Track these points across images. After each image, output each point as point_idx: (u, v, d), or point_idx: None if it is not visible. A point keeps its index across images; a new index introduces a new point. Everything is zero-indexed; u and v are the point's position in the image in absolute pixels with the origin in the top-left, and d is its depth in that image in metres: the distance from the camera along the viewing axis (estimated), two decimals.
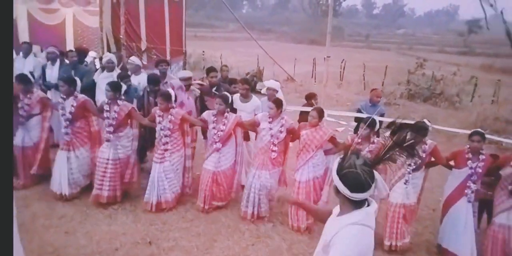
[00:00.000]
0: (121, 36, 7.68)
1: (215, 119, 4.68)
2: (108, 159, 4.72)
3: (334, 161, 1.86)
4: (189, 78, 5.56)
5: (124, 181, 4.88)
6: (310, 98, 5.78)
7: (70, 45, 11.35)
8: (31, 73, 5.55)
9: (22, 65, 6.73)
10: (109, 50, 7.82)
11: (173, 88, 5.13)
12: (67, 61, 6.70)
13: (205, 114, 4.78)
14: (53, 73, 6.32)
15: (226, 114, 4.66)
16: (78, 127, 4.88)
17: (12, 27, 2.79)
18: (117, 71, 5.89)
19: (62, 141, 4.91)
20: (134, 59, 6.30)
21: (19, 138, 5.06)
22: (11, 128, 2.68)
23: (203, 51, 18.19)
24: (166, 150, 4.65)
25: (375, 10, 70.09)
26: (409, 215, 4.16)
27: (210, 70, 5.65)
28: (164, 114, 4.64)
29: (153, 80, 5.30)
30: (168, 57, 10.43)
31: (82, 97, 4.88)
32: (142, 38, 8.71)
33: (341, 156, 1.82)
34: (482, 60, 27.00)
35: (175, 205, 4.78)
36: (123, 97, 4.86)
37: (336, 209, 1.93)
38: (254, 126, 4.75)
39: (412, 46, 40.92)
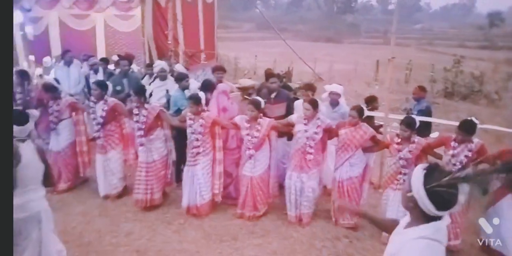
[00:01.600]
0: (168, 42, 7.51)
1: (249, 125, 4.56)
2: (143, 163, 4.75)
3: (413, 171, 1.73)
4: (251, 87, 5.25)
5: (166, 181, 4.94)
6: (371, 101, 5.52)
7: (101, 51, 11.28)
8: (56, 79, 5.51)
9: (66, 73, 6.63)
10: (150, 56, 7.63)
11: (223, 92, 5.10)
12: (109, 69, 6.60)
13: (238, 119, 4.69)
14: None
15: (259, 120, 4.56)
16: (109, 130, 4.95)
17: (12, 27, 2.71)
18: (170, 79, 5.70)
19: (97, 145, 5.03)
20: (178, 67, 6.07)
21: (54, 143, 5.25)
22: (11, 128, 2.67)
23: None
24: (197, 153, 4.60)
25: (390, 6, 69.17)
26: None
27: (270, 75, 5.42)
28: (195, 117, 4.59)
29: (208, 86, 5.14)
30: (202, 61, 10.25)
31: (112, 100, 4.95)
32: (180, 42, 8.54)
33: (425, 167, 1.70)
34: (505, 54, 26.29)
35: (207, 211, 4.72)
36: (149, 100, 4.91)
37: (404, 220, 1.85)
38: (289, 126, 4.68)
39: (431, 41, 40.15)
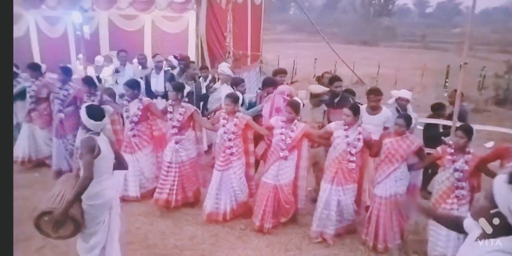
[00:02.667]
0: (226, 44, 7.52)
1: (284, 125, 4.43)
2: (170, 163, 4.68)
3: (496, 183, 1.61)
4: (323, 94, 5.05)
5: (187, 186, 4.83)
6: (438, 109, 5.31)
7: (147, 52, 11.43)
8: (98, 77, 5.76)
9: (122, 73, 6.70)
10: (202, 58, 7.66)
11: (281, 94, 5.05)
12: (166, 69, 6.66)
13: (274, 120, 4.55)
14: (158, 82, 6.25)
15: (295, 121, 4.43)
16: (139, 130, 4.98)
17: (12, 27, 2.72)
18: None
19: (126, 144, 5.02)
20: (225, 69, 5.99)
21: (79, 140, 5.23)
22: (11, 128, 2.66)
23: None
24: (231, 154, 4.47)
25: (428, 9, 67.52)
26: None
27: (334, 79, 5.31)
28: (229, 117, 4.50)
29: (269, 84, 5.21)
30: (248, 63, 10.21)
31: (146, 100, 5.02)
32: (229, 44, 8.52)
33: (508, 178, 1.57)
34: None
35: (242, 213, 4.66)
36: (186, 99, 4.83)
37: (475, 232, 1.74)
38: (325, 137, 4.41)
39: (472, 46, 38.66)
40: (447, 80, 13.42)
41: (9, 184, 2.55)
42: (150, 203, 4.91)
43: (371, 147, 4.33)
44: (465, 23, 56.38)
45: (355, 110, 4.23)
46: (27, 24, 9.83)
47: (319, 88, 4.92)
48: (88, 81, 5.30)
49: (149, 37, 11.63)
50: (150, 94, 5.98)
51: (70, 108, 5.64)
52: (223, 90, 5.59)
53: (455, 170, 3.80)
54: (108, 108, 4.90)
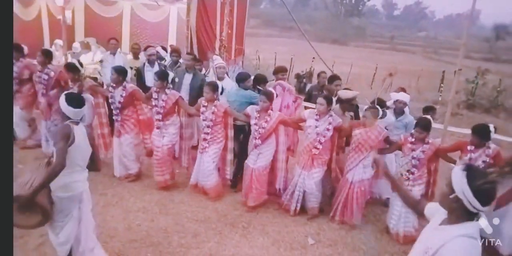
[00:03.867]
0: (222, 38, 7.35)
1: (258, 115, 4.63)
2: (158, 147, 4.92)
3: (453, 171, 1.82)
4: (353, 99, 4.91)
5: (168, 167, 5.02)
6: (427, 111, 5.44)
7: (125, 40, 11.06)
8: (79, 61, 5.57)
9: (111, 62, 6.46)
10: (191, 50, 7.46)
11: (283, 89, 5.12)
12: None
13: (249, 109, 4.75)
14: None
15: (269, 111, 4.60)
16: (125, 115, 5.07)
17: (12, 26, 2.78)
18: (226, 78, 5.54)
19: (115, 128, 5.16)
20: (220, 60, 5.84)
21: None
22: (11, 128, 2.63)
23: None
24: (205, 140, 4.74)
25: (396, 11, 69.36)
26: None
27: (334, 78, 5.34)
28: (208, 104, 4.71)
29: (261, 80, 5.28)
30: (232, 57, 10.09)
31: (130, 86, 5.08)
32: (217, 37, 8.37)
33: (464, 168, 1.79)
34: (510, 67, 26.61)
35: (215, 193, 4.91)
36: (170, 86, 4.99)
37: (438, 217, 1.92)
38: (299, 122, 4.73)
39: (436, 50, 40.26)
40: (442, 85, 13.82)
41: (9, 184, 2.45)
42: (147, 199, 4.77)
43: (340, 133, 4.61)
44: (430, 27, 58.73)
45: (329, 100, 4.43)
46: None
47: (350, 93, 4.87)
48: (71, 68, 5.23)
49: (127, 24, 11.23)
50: (143, 87, 5.70)
51: (54, 90, 5.57)
52: (227, 83, 5.46)
53: (413, 157, 4.19)
54: (88, 96, 4.91)
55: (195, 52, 7.70)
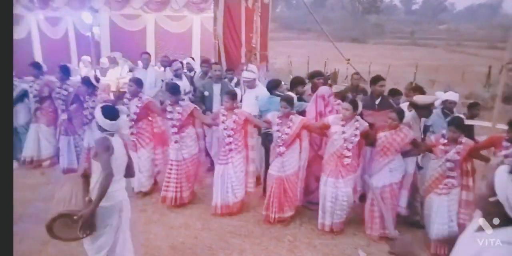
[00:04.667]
0: (253, 45, 7.29)
1: (280, 121, 4.49)
2: (173, 160, 4.81)
3: (497, 173, 1.62)
4: (433, 104, 4.73)
5: (193, 181, 4.96)
6: (471, 107, 5.21)
7: (150, 52, 11.12)
8: (96, 77, 5.85)
9: (143, 75, 6.49)
10: (220, 60, 7.43)
11: (322, 97, 4.85)
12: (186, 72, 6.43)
13: (270, 115, 4.64)
14: (185, 88, 5.98)
15: (291, 116, 4.48)
16: (140, 128, 5.03)
17: (12, 27, 2.70)
18: (259, 85, 5.42)
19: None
20: (247, 74, 5.67)
21: (87, 139, 5.52)
22: (11, 129, 2.62)
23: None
24: (230, 150, 4.60)
25: (414, 6, 68.01)
26: None
27: (378, 78, 5.02)
28: (228, 113, 4.61)
29: (298, 84, 5.21)
30: (258, 63, 9.98)
31: (146, 98, 5.06)
32: (242, 44, 8.30)
33: (509, 169, 1.58)
34: None
35: (239, 210, 4.73)
36: (184, 97, 5.03)
37: (474, 223, 1.75)
38: (323, 129, 4.50)
39: (459, 42, 39.16)
40: (489, 80, 13.30)
41: (9, 185, 2.51)
42: (188, 213, 4.72)
43: (367, 138, 4.42)
44: (450, 19, 57.33)
45: (355, 105, 4.24)
46: (29, 25, 9.46)
47: (428, 98, 4.62)
48: (86, 82, 5.43)
49: (152, 37, 11.36)
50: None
51: (74, 105, 5.71)
52: (260, 90, 5.37)
53: (447, 160, 3.97)
54: (123, 108, 4.96)
55: (223, 61, 7.66)
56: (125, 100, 5.08)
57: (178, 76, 6.11)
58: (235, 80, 6.32)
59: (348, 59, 12.97)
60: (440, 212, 4.02)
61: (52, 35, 10.19)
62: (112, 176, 2.88)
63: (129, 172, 3.29)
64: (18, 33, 9.26)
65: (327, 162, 4.41)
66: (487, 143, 4.17)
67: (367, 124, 4.42)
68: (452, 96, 4.83)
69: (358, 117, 4.36)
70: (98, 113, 3.10)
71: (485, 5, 66.27)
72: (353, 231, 4.43)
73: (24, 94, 6.04)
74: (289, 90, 5.42)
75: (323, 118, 4.66)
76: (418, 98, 4.63)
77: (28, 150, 5.84)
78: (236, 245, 4.10)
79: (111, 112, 3.10)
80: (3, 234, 2.26)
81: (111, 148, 2.99)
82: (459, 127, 3.93)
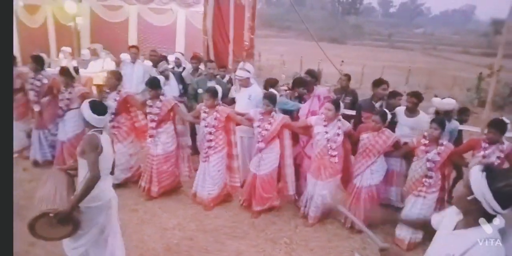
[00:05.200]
0: (246, 43, 7.13)
1: (262, 117, 4.51)
2: (153, 155, 4.77)
3: (470, 174, 1.72)
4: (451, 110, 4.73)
5: (165, 177, 4.88)
6: (461, 112, 5.25)
7: (180, 48, 10.84)
8: (76, 68, 5.57)
9: (131, 70, 6.23)
10: (208, 56, 7.27)
11: (318, 97, 4.83)
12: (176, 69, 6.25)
13: (252, 112, 4.65)
14: (172, 88, 5.80)
15: (273, 113, 4.50)
16: (118, 122, 4.95)
17: (12, 27, 2.67)
18: (253, 84, 5.27)
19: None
20: (241, 73, 5.50)
21: (60, 132, 5.39)
22: (11, 128, 2.72)
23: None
24: (209, 147, 4.59)
25: (392, 9, 69.42)
26: None
27: (380, 82, 4.96)
28: (209, 110, 4.59)
29: (300, 84, 5.07)
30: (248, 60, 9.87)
31: (125, 92, 4.98)
32: (230, 41, 8.18)
33: (483, 169, 1.69)
34: (510, 62, 26.58)
35: (213, 205, 4.76)
36: (164, 92, 4.90)
37: (450, 221, 1.84)
38: (304, 128, 4.53)
39: (435, 46, 40.23)
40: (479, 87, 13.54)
41: (9, 184, 2.43)
42: (181, 214, 4.58)
43: (350, 138, 4.44)
44: (426, 23, 58.84)
45: (337, 105, 4.25)
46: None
47: (450, 102, 4.62)
48: (64, 72, 5.21)
49: (134, 29, 11.03)
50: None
51: (46, 98, 5.52)
52: (254, 89, 5.21)
53: (427, 160, 3.98)
54: (110, 104, 4.77)
55: (211, 57, 7.49)
56: (104, 94, 5.00)
57: (165, 77, 5.85)
58: (227, 77, 6.16)
59: (342, 61, 12.91)
60: (411, 213, 4.02)
61: (31, 23, 9.73)
62: (98, 178, 2.79)
63: (113, 169, 3.19)
64: None
65: (312, 162, 4.46)
66: (466, 146, 4.23)
67: (350, 125, 4.46)
68: (446, 103, 4.83)
69: (340, 117, 4.37)
70: (85, 108, 2.99)
71: (459, 11, 68.40)
72: (347, 234, 4.38)
73: None
74: (290, 89, 5.36)
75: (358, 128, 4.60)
76: (439, 104, 4.66)
77: None
78: (232, 248, 3.99)
79: (99, 107, 3.01)
80: (3, 234, 2.22)
81: (100, 147, 2.89)
82: (440, 124, 3.94)
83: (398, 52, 35.56)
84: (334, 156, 4.27)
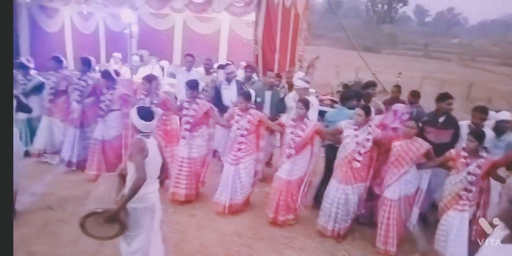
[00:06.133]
0: (300, 53, 7.23)
1: (294, 124, 4.52)
2: (183, 158, 4.84)
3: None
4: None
5: (199, 180, 5.03)
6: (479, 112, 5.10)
7: (176, 52, 11.05)
8: (116, 71, 5.95)
9: (186, 78, 6.40)
10: (257, 65, 7.35)
11: (394, 112, 4.85)
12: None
13: (284, 118, 4.71)
14: (231, 92, 5.90)
15: (305, 119, 4.53)
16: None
17: (12, 27, 2.70)
18: (311, 96, 5.31)
19: None
20: (299, 83, 5.55)
21: (99, 132, 5.51)
22: (11, 129, 2.89)
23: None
24: (239, 149, 4.65)
25: (427, 18, 67.99)
26: None
27: (446, 97, 4.80)
28: (243, 113, 4.67)
29: (351, 98, 5.04)
30: (287, 68, 9.94)
31: (162, 95, 5.12)
32: (277, 49, 8.27)
33: None
34: None
35: (244, 209, 4.85)
36: (202, 96, 5.05)
37: (496, 233, 1.83)
38: (335, 134, 4.56)
39: (473, 57, 39.05)
40: None
41: (9, 183, 2.50)
42: (237, 221, 4.65)
43: (380, 147, 4.41)
44: (463, 33, 57.25)
45: (367, 110, 4.28)
46: (62, 19, 9.41)
47: (506, 115, 4.58)
48: (106, 75, 5.47)
49: (179, 37, 11.28)
50: (220, 106, 5.62)
51: (90, 99, 5.74)
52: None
53: (468, 173, 3.88)
54: (157, 110, 4.91)
55: (260, 66, 7.60)
56: (141, 96, 5.14)
57: (229, 80, 5.98)
58: (280, 86, 6.24)
59: (400, 73, 12.40)
60: (462, 229, 3.89)
61: (84, 29, 10.15)
62: (144, 180, 2.91)
63: (164, 173, 3.31)
64: (52, 27, 9.23)
65: (337, 167, 4.43)
66: (504, 160, 4.09)
67: (380, 132, 4.43)
68: (505, 116, 4.75)
69: (371, 123, 4.39)
70: (133, 114, 3.12)
71: (499, 21, 66.19)
72: (409, 249, 4.31)
73: (40, 86, 6.19)
74: (332, 101, 5.37)
75: (385, 131, 4.61)
76: (496, 117, 4.62)
77: (39, 143, 6.01)
78: None
79: (146, 113, 3.14)
80: (3, 234, 2.25)
81: (146, 150, 3.02)
82: (477, 136, 3.89)
83: (434, 62, 34.77)
84: (358, 160, 4.26)
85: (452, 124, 4.73)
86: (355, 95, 4.99)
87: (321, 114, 5.83)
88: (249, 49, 9.49)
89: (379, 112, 5.06)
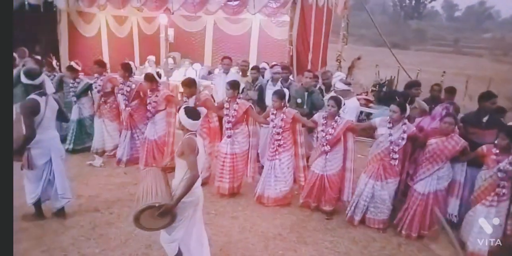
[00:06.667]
0: (339, 52, 7.19)
1: (325, 122, 4.68)
2: (226, 154, 5.08)
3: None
4: None
5: (239, 175, 5.25)
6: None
7: (207, 53, 11.13)
8: (158, 73, 5.99)
9: (224, 81, 6.48)
10: (292, 65, 7.34)
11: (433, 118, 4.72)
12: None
13: (316, 116, 4.85)
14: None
15: (337, 117, 4.62)
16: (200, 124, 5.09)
17: (11, 27, 2.67)
18: (352, 98, 5.27)
19: None
20: (340, 85, 5.54)
21: (149, 132, 5.91)
22: (11, 129, 2.83)
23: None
24: (279, 145, 4.84)
25: (457, 13, 66.02)
26: None
27: (490, 95, 4.68)
28: (277, 112, 4.86)
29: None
30: (319, 69, 9.88)
31: (203, 95, 5.36)
32: (310, 49, 8.21)
33: None
34: None
35: (278, 204, 5.04)
36: (241, 96, 5.25)
37: None
38: (368, 130, 4.68)
39: (506, 52, 37.62)
40: None
41: (9, 183, 2.54)
42: (279, 224, 4.71)
43: (415, 142, 4.46)
44: (495, 28, 55.22)
45: (403, 108, 4.30)
46: (99, 23, 9.67)
47: None
48: (149, 78, 5.74)
49: (210, 38, 11.39)
50: (263, 105, 5.72)
51: (135, 102, 6.16)
52: (351, 101, 5.25)
53: (499, 170, 3.93)
54: (202, 109, 4.94)
55: (294, 66, 7.59)
56: (184, 98, 5.43)
57: (274, 80, 6.09)
58: (317, 86, 6.22)
59: (444, 72, 12.05)
60: (486, 224, 3.93)
61: (119, 33, 10.38)
62: (197, 177, 3.13)
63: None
64: (89, 31, 9.49)
65: (369, 163, 4.58)
66: None
67: (414, 129, 4.43)
68: None
69: (406, 121, 4.39)
70: (182, 113, 3.32)
71: None
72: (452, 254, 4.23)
73: (88, 88, 6.63)
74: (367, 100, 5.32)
75: (424, 132, 4.60)
76: None
77: (96, 142, 6.55)
78: None
79: (193, 113, 3.34)
80: (3, 234, 2.29)
81: (197, 149, 3.20)
82: (509, 134, 3.89)
83: (465, 58, 33.75)
84: (396, 159, 4.35)
85: (497, 123, 4.59)
86: (401, 96, 4.94)
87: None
88: (279, 50, 9.51)
89: (423, 112, 4.97)
